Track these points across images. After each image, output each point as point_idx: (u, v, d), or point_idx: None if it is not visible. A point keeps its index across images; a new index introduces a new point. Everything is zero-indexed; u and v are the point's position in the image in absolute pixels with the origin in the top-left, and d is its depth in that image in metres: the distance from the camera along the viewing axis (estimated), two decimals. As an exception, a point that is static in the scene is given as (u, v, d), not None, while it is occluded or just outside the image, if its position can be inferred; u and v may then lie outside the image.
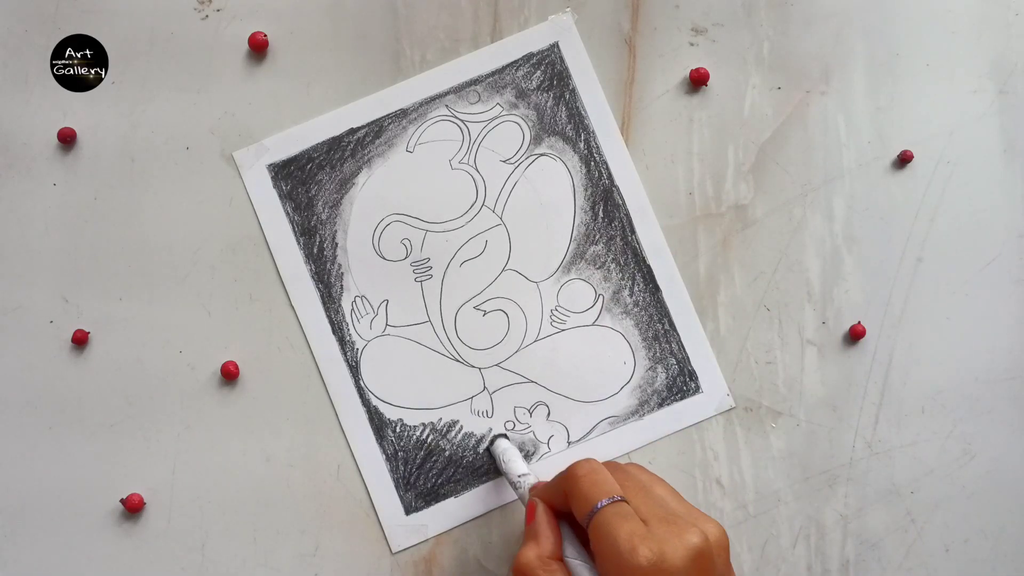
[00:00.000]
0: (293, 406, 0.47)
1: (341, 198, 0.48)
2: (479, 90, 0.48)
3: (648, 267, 0.48)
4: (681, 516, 0.37)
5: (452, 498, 0.47)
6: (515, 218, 0.48)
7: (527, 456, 0.47)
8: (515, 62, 0.48)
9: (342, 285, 0.48)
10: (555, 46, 0.49)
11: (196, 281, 0.47)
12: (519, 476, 0.44)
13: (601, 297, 0.48)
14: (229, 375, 0.47)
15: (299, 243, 0.48)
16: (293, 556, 0.47)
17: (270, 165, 0.48)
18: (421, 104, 0.48)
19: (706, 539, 0.36)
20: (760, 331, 0.48)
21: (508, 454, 0.46)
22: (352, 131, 0.48)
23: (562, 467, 0.41)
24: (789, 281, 0.48)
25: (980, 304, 0.49)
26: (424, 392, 0.48)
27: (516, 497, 0.46)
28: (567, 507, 0.39)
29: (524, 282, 0.48)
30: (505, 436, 0.47)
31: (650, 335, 0.48)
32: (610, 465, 0.42)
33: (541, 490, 0.41)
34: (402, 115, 0.48)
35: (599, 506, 0.37)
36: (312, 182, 0.48)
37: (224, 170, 0.48)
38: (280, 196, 0.48)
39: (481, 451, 0.47)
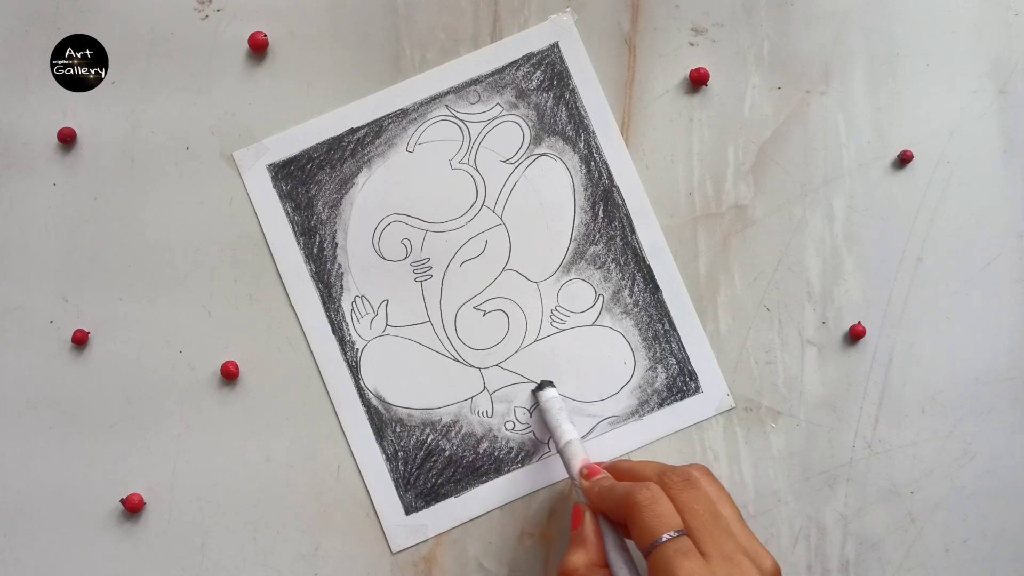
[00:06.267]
0: (293, 406, 0.47)
1: (341, 198, 0.48)
2: (479, 90, 0.48)
3: (648, 267, 0.48)
4: (741, 552, 0.38)
5: (452, 498, 0.47)
6: (515, 218, 0.48)
7: (526, 457, 0.47)
8: (515, 62, 0.48)
9: (342, 285, 0.48)
10: (555, 46, 0.49)
11: (196, 281, 0.47)
12: (566, 442, 0.44)
13: (601, 297, 0.48)
14: (229, 375, 0.47)
15: (299, 243, 0.48)
16: (293, 556, 0.47)
17: (270, 165, 0.48)
18: (421, 104, 0.48)
19: None
20: (760, 331, 0.48)
21: (558, 415, 0.45)
22: (352, 131, 0.48)
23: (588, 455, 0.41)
24: (789, 281, 0.48)
25: (980, 304, 0.49)
26: (424, 392, 0.48)
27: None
28: (617, 518, 0.40)
29: (524, 282, 0.48)
30: (552, 384, 0.47)
31: (650, 335, 0.48)
32: (675, 472, 0.41)
33: (594, 496, 0.41)
34: (402, 115, 0.48)
35: (660, 540, 0.37)
36: (312, 182, 0.48)
37: (224, 170, 0.48)
38: (280, 196, 0.48)
39: (528, 393, 0.48)
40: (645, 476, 0.41)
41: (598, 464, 0.43)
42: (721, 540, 0.38)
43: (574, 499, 0.43)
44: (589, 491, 0.42)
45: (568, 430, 0.45)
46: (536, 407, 0.47)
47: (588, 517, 0.41)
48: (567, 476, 0.47)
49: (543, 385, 0.47)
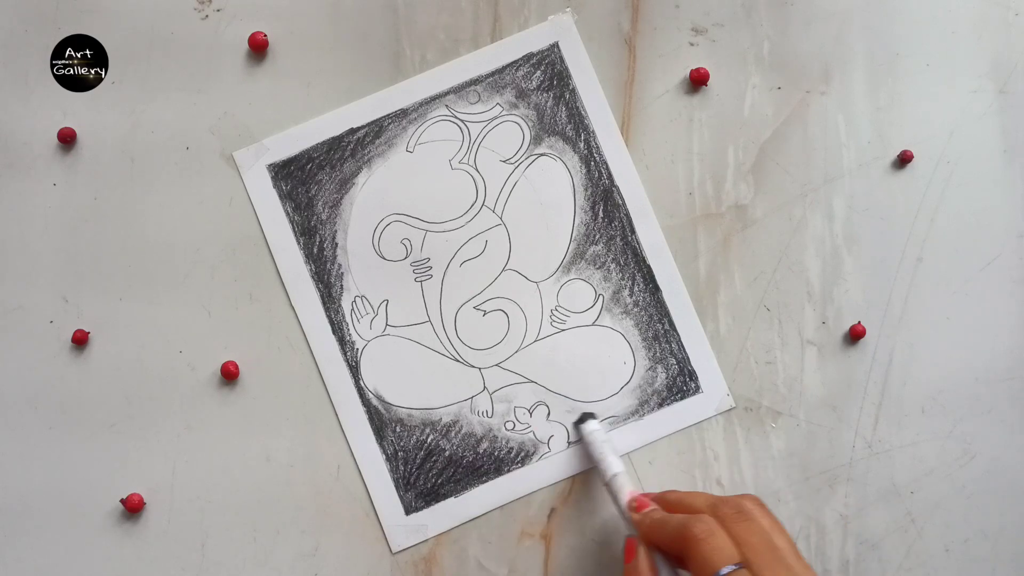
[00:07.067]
0: (293, 406, 0.47)
1: (341, 198, 0.48)
2: (479, 90, 0.48)
3: (648, 267, 0.48)
4: None
5: (452, 498, 0.47)
6: (515, 218, 0.48)
7: (526, 457, 0.47)
8: (515, 62, 0.48)
9: (342, 285, 0.48)
10: (555, 46, 0.49)
11: (196, 281, 0.47)
12: (612, 475, 0.44)
13: (601, 297, 0.48)
14: (229, 375, 0.47)
15: (299, 243, 0.48)
16: (293, 556, 0.47)
17: (270, 165, 0.48)
18: (421, 104, 0.48)
19: None
20: (760, 331, 0.48)
21: (601, 448, 0.45)
22: (352, 131, 0.48)
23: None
24: (789, 281, 0.48)
25: (980, 304, 0.49)
26: (424, 392, 0.48)
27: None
28: (671, 551, 0.40)
29: (524, 282, 0.48)
30: (593, 416, 0.47)
31: (650, 335, 0.48)
32: (727, 504, 0.40)
33: (646, 529, 0.41)
34: (402, 115, 0.48)
35: (720, 574, 0.37)
36: (312, 182, 0.48)
37: (224, 170, 0.48)
38: (280, 196, 0.48)
39: (570, 426, 0.48)
40: (696, 508, 0.41)
41: (646, 495, 0.43)
42: (779, 573, 0.37)
43: (625, 532, 0.42)
44: (640, 524, 0.41)
45: (614, 463, 0.44)
46: (579, 439, 0.47)
47: (642, 551, 0.40)
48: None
49: (584, 417, 0.47)
